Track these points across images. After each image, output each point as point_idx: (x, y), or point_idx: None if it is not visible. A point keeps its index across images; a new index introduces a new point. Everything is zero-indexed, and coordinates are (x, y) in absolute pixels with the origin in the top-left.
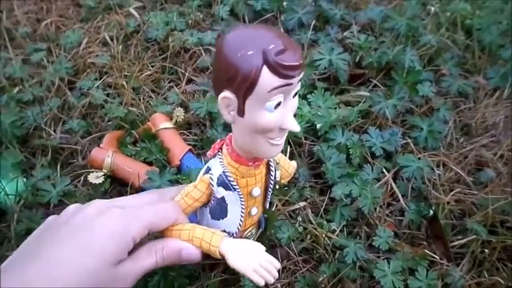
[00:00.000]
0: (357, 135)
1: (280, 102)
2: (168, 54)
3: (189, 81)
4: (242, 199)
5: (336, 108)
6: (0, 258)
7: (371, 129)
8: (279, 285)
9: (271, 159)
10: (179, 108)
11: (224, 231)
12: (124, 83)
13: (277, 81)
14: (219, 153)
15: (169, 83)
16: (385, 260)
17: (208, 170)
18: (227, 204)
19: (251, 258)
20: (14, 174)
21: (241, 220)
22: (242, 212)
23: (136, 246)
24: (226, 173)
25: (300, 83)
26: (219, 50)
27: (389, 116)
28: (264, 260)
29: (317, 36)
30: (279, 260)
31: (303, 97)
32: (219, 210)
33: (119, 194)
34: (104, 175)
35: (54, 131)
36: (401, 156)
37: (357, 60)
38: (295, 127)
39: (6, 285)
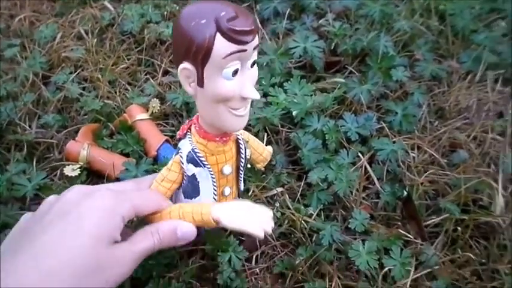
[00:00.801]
0: (333, 121)
1: (238, 69)
2: (143, 46)
3: (166, 72)
4: (213, 177)
5: (311, 95)
6: None
7: (346, 114)
8: (257, 269)
9: (240, 138)
10: (155, 99)
11: None
12: (99, 76)
13: (231, 47)
14: (188, 133)
15: (145, 75)
16: (360, 241)
17: (178, 151)
18: (198, 182)
19: (245, 215)
20: None
21: (214, 199)
22: (215, 190)
23: (129, 233)
24: (195, 150)
25: (256, 51)
26: (175, 24)
27: (364, 101)
28: (258, 213)
29: (292, 25)
30: (257, 247)
31: (279, 85)
32: (192, 188)
33: None
34: (79, 167)
35: (30, 126)
36: (376, 140)
37: (333, 47)
38: (255, 95)
39: None
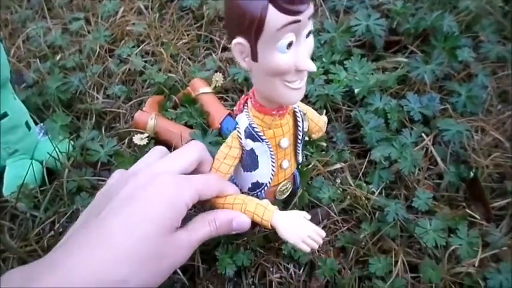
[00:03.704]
0: (395, 100)
1: (292, 41)
2: (203, 22)
3: (224, 49)
4: (272, 150)
5: (372, 74)
6: (54, 213)
7: (409, 94)
8: None
9: (297, 110)
10: (218, 73)
11: (257, 182)
12: (162, 50)
13: (285, 18)
14: (245, 107)
15: (205, 50)
16: (426, 219)
17: (236, 126)
18: (257, 156)
19: (300, 230)
20: (62, 135)
21: (272, 172)
22: (273, 163)
23: (186, 220)
24: (252, 125)
25: (311, 21)
26: None
27: (428, 81)
28: (312, 231)
29: (351, 3)
30: (320, 221)
31: (339, 63)
32: (250, 161)
33: None
34: (147, 137)
35: (97, 97)
36: (441, 121)
37: (394, 26)
38: (311, 67)
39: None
